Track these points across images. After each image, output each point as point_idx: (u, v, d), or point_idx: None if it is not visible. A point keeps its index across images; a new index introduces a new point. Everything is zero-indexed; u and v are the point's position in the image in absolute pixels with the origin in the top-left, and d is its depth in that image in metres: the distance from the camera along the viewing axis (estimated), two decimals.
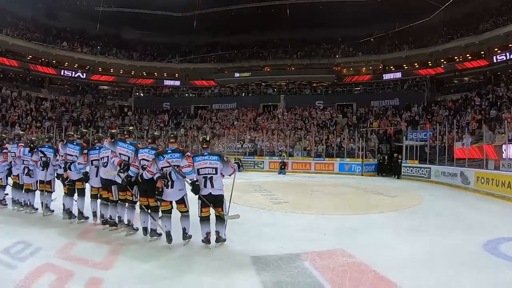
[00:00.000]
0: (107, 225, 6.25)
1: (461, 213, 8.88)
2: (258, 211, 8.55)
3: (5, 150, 7.90)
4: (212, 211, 5.38)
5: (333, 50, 36.80)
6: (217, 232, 5.35)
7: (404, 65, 33.73)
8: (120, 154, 5.96)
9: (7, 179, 8.08)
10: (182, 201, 5.46)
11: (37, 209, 7.52)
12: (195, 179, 5.27)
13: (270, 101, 35.49)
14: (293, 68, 37.65)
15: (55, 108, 32.67)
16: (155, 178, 5.39)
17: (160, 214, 5.54)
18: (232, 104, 36.25)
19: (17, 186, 7.74)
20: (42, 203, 7.26)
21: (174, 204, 5.50)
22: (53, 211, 7.30)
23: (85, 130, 7.98)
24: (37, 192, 7.51)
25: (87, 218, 6.79)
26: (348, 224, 7.09)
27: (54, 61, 35.97)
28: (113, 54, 38.41)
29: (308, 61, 36.65)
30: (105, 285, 3.91)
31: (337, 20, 32.81)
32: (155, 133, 6.44)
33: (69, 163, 6.64)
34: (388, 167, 21.40)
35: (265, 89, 36.92)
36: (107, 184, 6.20)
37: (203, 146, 5.69)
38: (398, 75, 32.88)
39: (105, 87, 39.50)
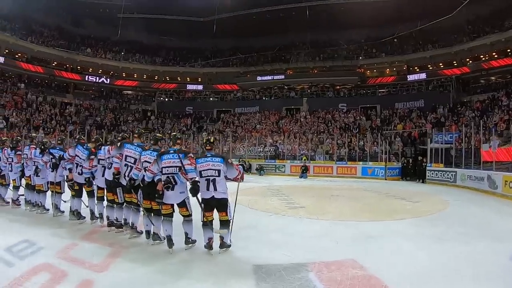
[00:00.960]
0: (113, 227, 6.19)
1: (487, 219, 8.31)
2: (271, 216, 8.27)
3: (18, 152, 8.09)
4: (216, 216, 5.21)
5: (356, 52, 36.23)
6: (221, 238, 5.14)
7: (429, 66, 32.80)
8: (126, 156, 5.88)
9: (20, 180, 8.26)
10: (183, 205, 5.29)
11: (48, 209, 7.59)
12: (196, 179, 5.08)
13: (292, 104, 35.21)
14: (315, 71, 37.32)
15: (79, 113, 33.60)
16: (155, 180, 5.26)
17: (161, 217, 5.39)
18: (254, 107, 36.18)
19: (29, 187, 7.89)
20: (52, 204, 7.36)
21: (176, 208, 5.34)
22: (63, 212, 7.37)
23: (97, 136, 7.92)
24: (49, 193, 7.60)
25: (97, 218, 6.80)
26: (364, 231, 6.66)
27: (78, 67, 37.18)
28: (137, 59, 39.30)
29: (330, 63, 36.22)
30: None
31: (359, 21, 32.36)
32: (157, 135, 6.28)
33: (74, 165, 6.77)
34: (413, 171, 20.57)
35: (287, 92, 36.75)
36: (111, 186, 6.15)
37: (206, 147, 5.42)
38: (423, 75, 31.94)
39: (129, 92, 40.38)
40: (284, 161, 24.70)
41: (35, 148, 7.73)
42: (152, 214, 5.50)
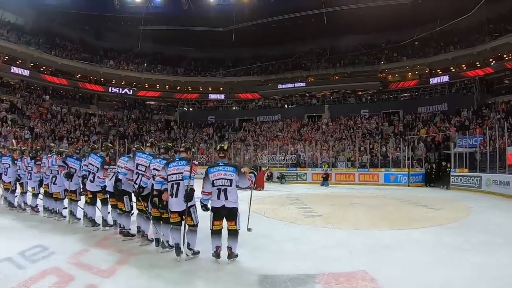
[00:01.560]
0: (123, 235, 6.33)
1: None
2: (286, 224, 8.14)
3: (38, 162, 8.38)
4: (224, 225, 5.15)
5: (376, 56, 35.82)
6: (229, 248, 5.06)
7: (451, 68, 32.04)
8: (138, 164, 6.02)
9: (39, 188, 8.57)
10: (188, 213, 5.18)
11: (65, 216, 7.83)
12: (193, 186, 5.11)
13: (314, 112, 35.06)
14: (337, 77, 37.13)
15: (103, 123, 34.60)
16: (162, 189, 5.32)
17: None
18: (276, 116, 36.34)
19: (47, 195, 8.16)
20: (68, 211, 7.62)
21: None
22: (79, 219, 7.55)
23: (110, 145, 8.13)
24: (66, 200, 7.88)
25: (111, 225, 6.97)
26: (380, 241, 6.42)
27: (102, 79, 38.61)
28: (158, 70, 40.31)
29: (351, 69, 35.96)
30: None
31: (379, 25, 32.19)
32: (168, 144, 6.43)
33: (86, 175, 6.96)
34: (436, 177, 19.94)
35: (309, 99, 36.70)
36: (119, 194, 6.32)
37: (220, 155, 5.35)
38: (446, 78, 31.20)
39: (152, 102, 41.38)
40: (305, 169, 24.44)
41: (51, 157, 8.05)
42: (162, 223, 5.54)
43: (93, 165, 6.85)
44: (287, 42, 38.38)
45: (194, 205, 5.28)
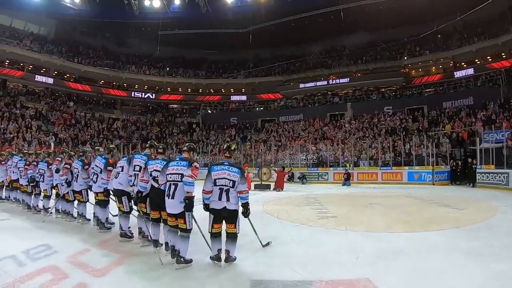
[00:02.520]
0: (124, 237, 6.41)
1: None
2: (296, 226, 7.88)
3: (50, 166, 8.68)
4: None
5: (399, 51, 34.95)
6: (227, 252, 4.89)
7: (476, 60, 30.84)
8: (135, 165, 6.13)
9: (51, 190, 8.87)
10: (182, 216, 4.93)
11: (75, 217, 8.07)
12: (193, 194, 4.88)
13: (337, 110, 34.72)
14: (359, 74, 36.56)
15: (126, 127, 35.38)
16: (162, 187, 5.24)
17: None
18: (298, 115, 36.17)
19: (58, 196, 8.42)
20: (78, 212, 7.92)
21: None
22: (89, 220, 7.75)
23: (113, 146, 8.27)
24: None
25: (108, 228, 7.10)
26: (393, 245, 5.98)
27: (125, 84, 39.69)
28: (180, 74, 40.88)
29: (373, 65, 35.31)
30: None
31: (399, 19, 31.63)
32: (162, 145, 6.23)
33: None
34: (462, 174, 19.15)
35: (331, 98, 36.34)
36: (118, 194, 6.41)
37: (225, 154, 5.20)
38: (470, 71, 30.03)
39: (175, 105, 42.18)
40: (327, 169, 24.11)
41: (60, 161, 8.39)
42: (163, 224, 5.50)
43: (97, 167, 7.01)
44: (307, 41, 38.19)
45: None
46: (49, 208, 8.85)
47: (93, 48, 40.18)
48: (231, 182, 4.85)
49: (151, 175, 5.58)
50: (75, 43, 38.75)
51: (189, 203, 4.84)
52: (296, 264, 4.94)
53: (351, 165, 23.63)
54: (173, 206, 4.98)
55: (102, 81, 38.98)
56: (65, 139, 28.92)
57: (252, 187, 18.48)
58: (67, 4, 34.55)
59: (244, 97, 41.46)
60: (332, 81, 37.20)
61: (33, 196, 9.43)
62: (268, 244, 5.75)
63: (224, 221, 4.96)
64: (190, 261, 4.93)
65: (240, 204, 4.98)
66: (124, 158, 6.64)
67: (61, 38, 37.46)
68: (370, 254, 5.47)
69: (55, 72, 35.83)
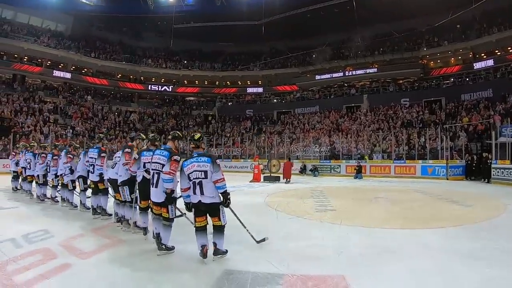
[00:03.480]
0: (120, 223, 6.62)
1: None
2: (291, 219, 7.84)
3: (55, 157, 9.12)
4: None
5: (416, 42, 34.02)
6: (214, 244, 4.71)
7: (496, 51, 29.60)
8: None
9: (57, 179, 9.23)
10: (165, 205, 5.01)
11: (76, 206, 8.54)
12: (172, 188, 4.92)
13: (353, 102, 34.35)
14: (376, 66, 35.86)
15: (143, 120, 35.90)
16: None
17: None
18: (314, 107, 36.02)
19: (63, 186, 8.86)
20: (79, 200, 8.37)
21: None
22: (89, 208, 8.03)
23: (102, 135, 8.49)
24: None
25: (110, 215, 7.39)
26: (383, 242, 5.76)
27: (142, 78, 40.35)
28: (197, 66, 41.06)
29: (390, 56, 34.60)
30: (68, 271, 4.33)
31: (417, 9, 30.83)
32: (152, 135, 6.33)
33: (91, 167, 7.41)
34: (478, 169, 18.56)
35: (347, 89, 35.89)
36: (113, 184, 6.67)
37: (191, 146, 4.98)
38: (490, 62, 28.88)
39: (191, 98, 42.50)
40: (339, 161, 23.93)
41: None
42: (150, 213, 5.59)
43: (92, 157, 7.33)
44: (323, 32, 37.48)
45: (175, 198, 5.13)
46: (56, 197, 9.38)
47: (110, 42, 40.99)
48: (203, 173, 4.61)
49: (144, 166, 5.67)
50: (92, 38, 39.64)
51: (168, 197, 4.92)
52: (275, 257, 4.89)
53: (367, 157, 23.30)
54: (156, 195, 5.08)
55: (119, 75, 39.78)
56: (82, 132, 29.57)
57: (262, 179, 18.61)
58: (83, 1, 35.18)
59: (260, 89, 41.46)
60: (349, 73, 36.72)
61: (38, 187, 9.83)
62: (263, 240, 5.52)
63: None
64: (172, 248, 5.02)
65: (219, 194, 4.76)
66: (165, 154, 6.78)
67: (78, 34, 38.43)
68: (355, 250, 5.31)
69: (73, 67, 36.89)
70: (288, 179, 18.08)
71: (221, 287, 3.90)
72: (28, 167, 10.26)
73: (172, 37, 36.51)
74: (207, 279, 4.12)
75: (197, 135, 5.01)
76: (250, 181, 18.02)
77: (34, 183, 10.31)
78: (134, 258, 4.84)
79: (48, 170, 9.40)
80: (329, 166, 24.04)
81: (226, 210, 4.88)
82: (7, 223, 6.93)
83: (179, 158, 5.02)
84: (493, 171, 16.87)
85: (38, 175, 9.73)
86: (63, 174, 8.65)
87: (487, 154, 18.40)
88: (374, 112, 31.00)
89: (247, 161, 27.52)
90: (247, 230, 5.49)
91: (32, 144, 11.66)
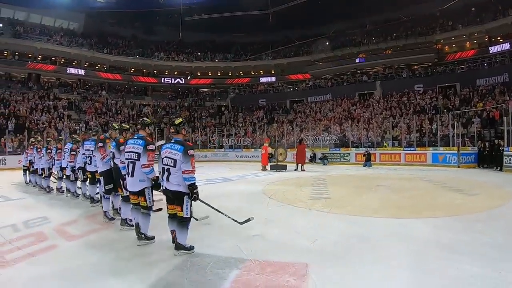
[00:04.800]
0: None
1: None
2: (280, 206, 7.88)
3: (59, 151, 9.80)
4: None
5: (431, 26, 33.09)
6: (173, 232, 4.67)
7: None
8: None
9: (62, 171, 9.70)
10: (142, 194, 5.02)
11: (78, 195, 9.10)
12: (155, 176, 4.97)
13: (366, 89, 33.88)
14: (389, 52, 35.21)
15: (156, 113, 36.20)
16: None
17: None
18: (327, 95, 35.73)
19: (66, 177, 9.46)
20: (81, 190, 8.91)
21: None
22: (89, 197, 8.46)
23: (96, 128, 8.71)
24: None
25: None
26: (364, 231, 5.65)
27: (155, 71, 40.88)
28: (209, 58, 41.19)
29: (404, 41, 33.88)
30: (53, 251, 4.79)
31: None
32: (123, 126, 6.47)
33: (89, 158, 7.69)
34: (490, 157, 17.71)
35: (360, 76, 35.39)
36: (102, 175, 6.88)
37: (171, 130, 5.00)
38: (506, 46, 27.83)
39: (205, 89, 42.79)
40: (349, 149, 23.72)
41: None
42: (125, 201, 5.74)
43: (88, 149, 7.58)
44: (335, 20, 37.34)
45: (150, 186, 5.09)
46: (61, 188, 9.91)
47: (122, 38, 41.77)
48: (172, 161, 4.52)
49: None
50: (104, 34, 40.45)
51: (155, 183, 5.03)
52: (246, 242, 4.98)
53: (386, 145, 22.93)
54: (132, 184, 5.07)
55: (133, 69, 40.50)
56: (95, 126, 30.11)
57: (268, 168, 18.61)
58: None
59: (273, 79, 41.43)
60: (361, 59, 36.02)
61: (43, 179, 10.44)
62: (248, 220, 5.59)
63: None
64: (152, 238, 5.06)
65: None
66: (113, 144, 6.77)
67: (91, 31, 39.31)
68: (331, 239, 5.25)
69: (86, 64, 37.80)
70: (302, 165, 18.15)
71: (182, 269, 4.03)
72: (33, 160, 10.95)
73: (180, 29, 37.09)
74: (170, 263, 4.28)
75: (178, 120, 4.98)
76: (262, 169, 18.38)
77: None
78: (114, 245, 5.07)
79: (53, 163, 9.94)
80: (338, 154, 23.87)
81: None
82: (12, 211, 7.48)
83: (154, 147, 5.06)
84: (505, 158, 16.05)
85: (43, 168, 10.25)
86: (66, 167, 9.20)
87: (499, 141, 17.63)
88: (387, 99, 30.43)
89: (258, 150, 27.50)
90: (226, 215, 5.57)
91: (46, 139, 12.20)
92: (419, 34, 33.21)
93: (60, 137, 11.30)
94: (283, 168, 18.36)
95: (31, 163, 11.31)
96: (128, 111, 35.21)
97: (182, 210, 4.53)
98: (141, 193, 5.05)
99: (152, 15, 39.28)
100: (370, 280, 3.73)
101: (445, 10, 31.51)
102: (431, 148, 20.69)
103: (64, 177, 9.49)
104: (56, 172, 10.03)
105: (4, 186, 12.05)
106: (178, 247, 4.54)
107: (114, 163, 6.01)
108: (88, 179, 7.91)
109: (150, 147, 4.96)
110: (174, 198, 4.60)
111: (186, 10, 36.22)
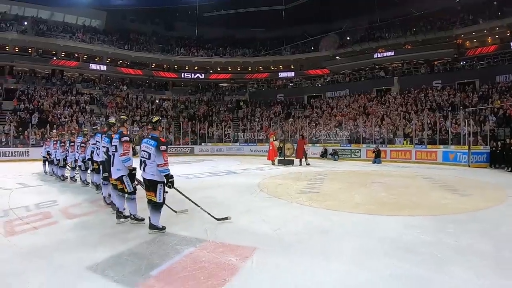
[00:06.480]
0: None
1: None
2: (266, 199, 8.35)
3: (72, 144, 10.92)
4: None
5: (451, 21, 32.30)
6: (149, 218, 5.35)
7: None
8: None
9: (75, 162, 10.72)
10: (121, 180, 5.90)
11: (88, 183, 10.10)
12: (132, 166, 5.80)
13: (383, 85, 33.56)
14: (408, 47, 34.67)
15: (176, 107, 37.07)
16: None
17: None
18: (344, 91, 35.60)
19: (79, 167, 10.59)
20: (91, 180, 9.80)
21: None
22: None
23: (112, 122, 9.30)
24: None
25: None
26: (329, 224, 5.92)
27: (175, 66, 41.94)
28: (228, 53, 41.73)
29: (423, 36, 33.18)
30: (53, 226, 5.90)
31: None
32: (109, 121, 6.94)
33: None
34: (502, 156, 16.89)
35: (378, 72, 35.07)
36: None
37: (148, 127, 6.05)
38: None
39: (224, 84, 43.49)
40: (359, 146, 23.78)
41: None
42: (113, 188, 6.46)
43: (98, 141, 8.18)
44: (354, 15, 36.90)
45: (126, 174, 5.87)
46: (74, 177, 11.04)
47: (143, 34, 43.03)
48: (147, 154, 5.27)
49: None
50: (125, 31, 41.83)
51: (129, 174, 5.86)
52: (214, 227, 5.61)
53: (407, 142, 22.73)
54: (114, 172, 6.01)
55: (153, 65, 41.66)
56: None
57: (276, 162, 18.95)
58: None
59: (292, 74, 41.71)
60: (380, 55, 35.70)
61: (59, 168, 11.68)
62: (225, 218, 6.01)
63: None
64: (142, 219, 5.86)
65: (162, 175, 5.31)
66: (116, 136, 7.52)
67: (112, 28, 40.73)
68: (292, 229, 5.62)
69: (108, 60, 39.35)
70: (300, 159, 18.56)
71: (149, 244, 4.87)
72: (50, 152, 12.33)
73: (197, 25, 38.00)
74: (142, 239, 5.10)
75: (155, 119, 5.71)
76: (273, 163, 18.87)
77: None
78: (105, 222, 6.18)
79: (67, 154, 11.06)
80: (349, 151, 23.96)
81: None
82: (27, 196, 8.64)
83: (128, 138, 5.90)
84: None
85: (58, 159, 11.47)
86: (77, 158, 10.28)
87: (511, 140, 17.03)
88: (404, 96, 30.09)
89: None
90: (204, 210, 6.08)
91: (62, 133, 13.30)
92: (439, 28, 32.52)
93: (85, 130, 12.07)
94: (291, 163, 18.62)
95: (49, 154, 12.48)
96: (148, 105, 36.21)
97: (155, 196, 5.26)
98: (120, 179, 5.94)
99: (172, 11, 40.15)
100: (303, 270, 3.95)
101: (466, 3, 30.60)
102: (441, 146, 20.38)
103: (77, 167, 10.54)
104: (70, 163, 11.07)
105: (25, 175, 13.36)
106: (151, 227, 5.32)
107: (107, 155, 6.69)
108: (95, 168, 8.65)
109: (124, 138, 5.82)
110: (150, 185, 5.33)
111: (205, 6, 36.84)
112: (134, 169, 5.86)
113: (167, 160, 5.23)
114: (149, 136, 5.42)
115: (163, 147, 5.22)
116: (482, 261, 4.17)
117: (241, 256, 4.33)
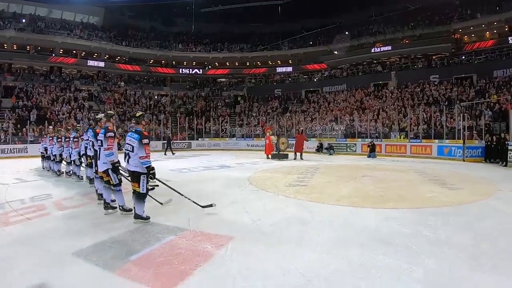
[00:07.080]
0: None
1: None
2: (254, 191, 8.53)
3: (67, 139, 10.97)
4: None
5: (449, 15, 32.30)
6: (134, 208, 5.59)
7: None
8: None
9: (70, 157, 10.88)
10: (107, 173, 6.22)
11: (82, 178, 10.37)
12: (115, 160, 6.10)
13: (381, 80, 33.58)
14: (406, 41, 34.66)
15: (174, 103, 37.19)
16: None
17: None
18: (341, 85, 35.73)
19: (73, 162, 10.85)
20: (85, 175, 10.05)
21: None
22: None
23: (99, 117, 9.46)
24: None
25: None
26: (308, 215, 6.01)
27: (173, 62, 42.09)
28: (226, 48, 41.81)
29: (420, 30, 33.19)
30: (45, 216, 6.19)
31: None
32: (96, 117, 7.32)
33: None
34: (496, 151, 16.78)
35: (375, 67, 35.11)
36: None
37: (133, 121, 6.34)
38: None
39: (222, 79, 43.65)
40: (355, 140, 23.90)
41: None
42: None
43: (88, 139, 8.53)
44: (352, 10, 37.15)
45: (110, 168, 6.18)
46: (69, 172, 11.19)
47: (141, 30, 43.24)
48: (130, 146, 5.52)
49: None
50: (123, 27, 41.96)
51: (113, 167, 6.18)
52: (196, 218, 5.83)
53: (401, 136, 22.89)
54: (100, 165, 6.33)
55: (151, 61, 41.84)
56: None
57: (270, 156, 19.14)
58: None
59: (289, 69, 41.77)
60: (377, 49, 35.70)
61: (55, 164, 11.97)
62: (210, 206, 6.26)
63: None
64: (130, 210, 6.03)
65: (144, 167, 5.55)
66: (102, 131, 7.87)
67: (110, 24, 40.97)
68: (272, 220, 5.71)
69: (106, 56, 39.52)
70: (300, 154, 18.68)
71: (132, 233, 5.14)
72: (47, 147, 12.61)
73: (194, 21, 37.96)
74: (127, 228, 5.37)
75: (139, 113, 6.04)
76: (268, 157, 19.06)
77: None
78: (94, 213, 6.43)
79: (62, 150, 11.25)
80: (345, 145, 24.09)
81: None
82: (23, 190, 8.92)
83: (113, 134, 6.14)
84: (510, 153, 15.23)
85: (55, 154, 11.73)
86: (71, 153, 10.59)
87: (505, 134, 16.88)
88: (401, 90, 30.15)
89: None
90: (188, 198, 6.42)
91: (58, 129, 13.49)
92: (436, 23, 32.54)
93: (78, 126, 12.23)
94: (285, 157, 18.74)
95: (46, 150, 12.79)
96: (146, 101, 36.33)
97: (139, 186, 5.51)
98: (105, 172, 6.28)
99: (170, 7, 40.12)
100: (274, 257, 4.08)
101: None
102: (436, 141, 20.43)
103: (72, 162, 10.76)
104: (65, 158, 11.25)
105: (23, 171, 13.62)
106: (136, 216, 5.57)
107: (94, 149, 6.95)
108: (88, 163, 8.88)
109: (109, 134, 6.08)
110: (134, 176, 5.60)
111: (203, 1, 36.75)
112: (117, 162, 6.16)
113: (149, 153, 5.50)
114: (133, 130, 5.70)
115: (145, 141, 5.48)
116: (458, 253, 4.17)
117: (217, 244, 4.52)
